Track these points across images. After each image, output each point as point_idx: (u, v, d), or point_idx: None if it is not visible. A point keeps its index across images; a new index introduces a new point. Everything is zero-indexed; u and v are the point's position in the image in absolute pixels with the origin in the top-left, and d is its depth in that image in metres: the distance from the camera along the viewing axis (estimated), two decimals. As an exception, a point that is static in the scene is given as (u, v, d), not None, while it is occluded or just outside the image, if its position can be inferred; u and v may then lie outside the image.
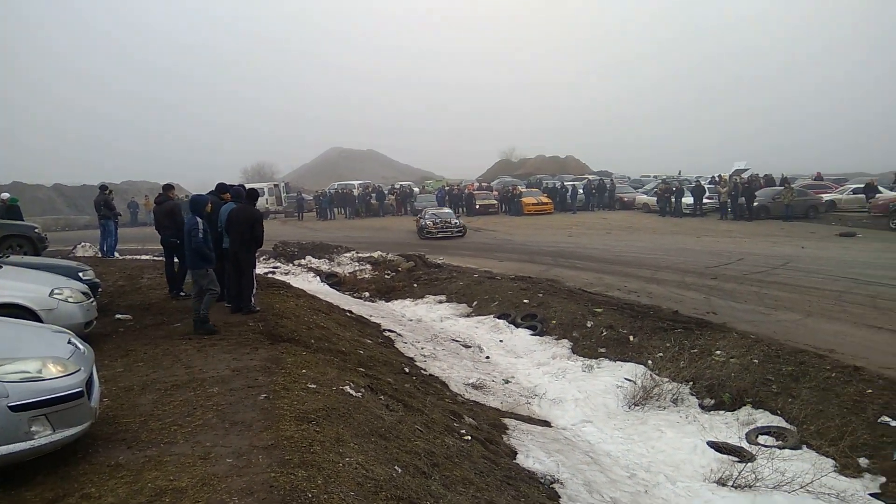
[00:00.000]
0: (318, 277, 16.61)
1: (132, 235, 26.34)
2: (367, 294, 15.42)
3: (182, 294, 9.69)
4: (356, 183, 45.86)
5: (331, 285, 15.95)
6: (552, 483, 5.41)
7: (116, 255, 16.24)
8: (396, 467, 4.24)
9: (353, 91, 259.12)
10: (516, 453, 6.09)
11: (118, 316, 8.65)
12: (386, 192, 41.42)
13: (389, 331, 10.86)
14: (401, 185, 47.40)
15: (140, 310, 9.13)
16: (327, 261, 18.44)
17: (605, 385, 8.75)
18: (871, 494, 5.98)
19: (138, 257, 17.35)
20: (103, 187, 15.58)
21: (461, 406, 7.40)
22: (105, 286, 10.31)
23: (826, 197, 28.93)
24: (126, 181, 55.71)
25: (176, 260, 9.91)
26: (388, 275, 16.84)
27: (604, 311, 11.67)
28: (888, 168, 39.27)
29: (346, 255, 19.05)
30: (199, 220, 7.62)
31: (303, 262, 18.33)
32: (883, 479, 6.26)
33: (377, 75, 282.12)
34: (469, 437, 5.94)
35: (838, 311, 11.09)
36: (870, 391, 7.44)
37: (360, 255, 18.97)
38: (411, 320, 12.56)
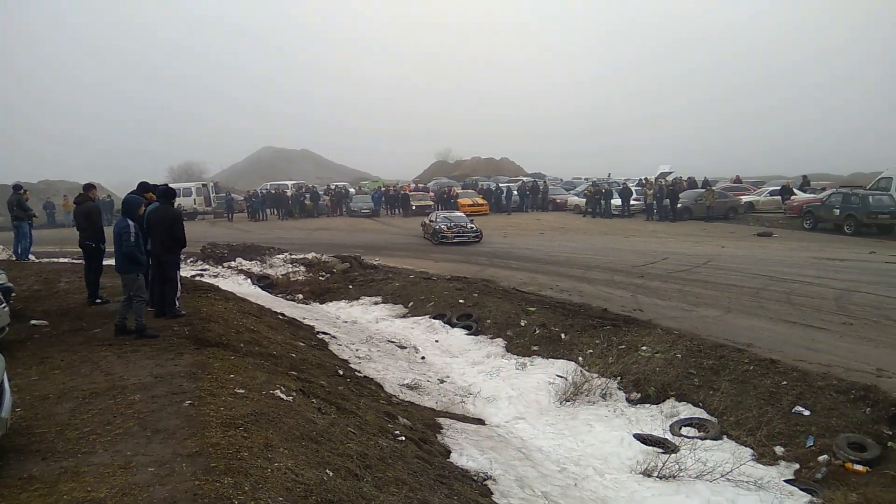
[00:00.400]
0: (248, 280, 16.19)
1: (49, 237, 24.89)
2: (300, 296, 15.14)
3: (100, 300, 9.23)
4: (290, 183, 44.95)
5: (263, 288, 15.58)
6: (485, 480, 5.47)
7: (31, 257, 15.32)
8: (328, 470, 4.18)
9: (287, 89, 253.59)
10: (450, 452, 6.12)
11: (33, 322, 8.15)
12: (321, 192, 40.79)
13: (324, 333, 10.71)
14: (336, 185, 46.82)
15: (57, 315, 8.63)
16: (259, 262, 17.99)
17: (537, 382, 8.92)
18: (785, 481, 6.34)
19: (56, 260, 16.41)
20: (17, 187, 14.66)
21: (396, 407, 7.38)
22: (19, 290, 9.71)
23: (745, 199, 30.52)
24: (43, 181, 52.56)
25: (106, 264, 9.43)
26: (323, 276, 16.59)
27: (537, 310, 11.88)
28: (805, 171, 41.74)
29: (278, 256, 18.63)
30: (130, 222, 7.30)
31: (233, 264, 17.82)
32: (797, 466, 6.66)
33: (312, 72, 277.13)
34: (403, 438, 5.92)
35: (756, 307, 11.71)
36: (784, 383, 7.88)
37: (293, 256, 18.60)
38: (346, 322, 12.43)
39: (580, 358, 9.81)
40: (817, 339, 9.52)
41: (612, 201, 31.05)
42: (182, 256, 10.27)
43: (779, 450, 6.82)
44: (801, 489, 6.05)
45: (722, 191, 30.67)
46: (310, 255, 18.37)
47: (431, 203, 36.40)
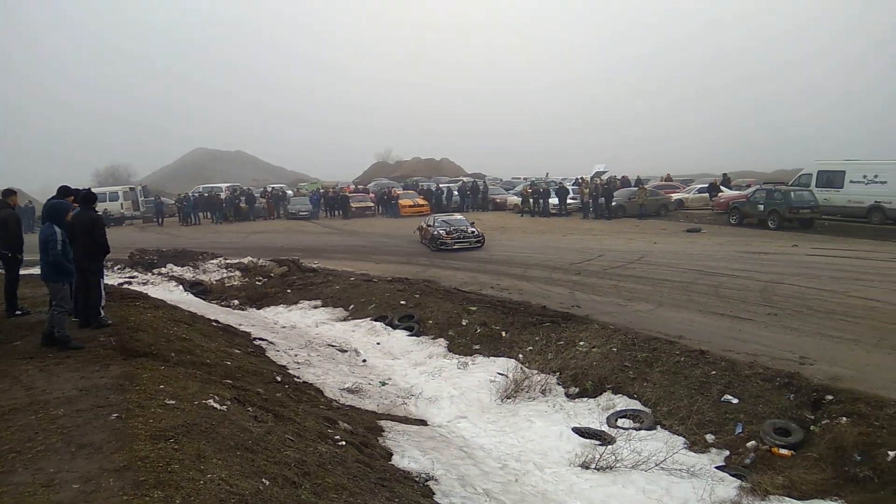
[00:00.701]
0: (180, 286, 15.65)
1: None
2: (236, 302, 14.74)
3: (20, 312, 8.70)
4: (224, 186, 43.75)
5: (196, 294, 15.09)
6: (427, 481, 5.46)
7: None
8: (264, 479, 4.07)
9: (222, 88, 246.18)
10: (392, 454, 6.08)
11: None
12: (257, 194, 39.83)
13: (261, 339, 10.45)
14: (273, 187, 45.83)
15: (-30, 329, 8.08)
16: (192, 268, 17.44)
17: (479, 381, 8.98)
18: (716, 467, 6.61)
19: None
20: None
21: (336, 412, 7.27)
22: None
23: (675, 196, 31.69)
24: (-45, 186, 49.34)
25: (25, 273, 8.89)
26: (260, 281, 16.21)
27: (478, 310, 11.97)
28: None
29: (212, 261, 18.10)
30: (56, 229, 6.91)
31: (163, 270, 17.20)
32: (727, 453, 6.95)
33: (246, 72, 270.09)
34: (344, 443, 5.84)
35: (686, 300, 12.16)
36: (714, 372, 8.21)
37: (228, 261, 18.11)
38: (284, 327, 12.17)
39: (521, 355, 9.95)
40: (744, 330, 9.94)
41: (550, 200, 31.62)
42: (108, 263, 9.82)
43: (710, 437, 7.10)
44: (732, 475, 6.32)
45: (653, 189, 31.74)
46: (245, 260, 17.93)
47: (372, 204, 36.18)
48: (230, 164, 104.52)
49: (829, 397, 7.17)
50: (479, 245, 20.08)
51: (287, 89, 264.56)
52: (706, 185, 31.61)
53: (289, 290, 15.24)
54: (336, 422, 6.65)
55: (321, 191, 40.24)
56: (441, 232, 20.09)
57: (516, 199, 34.76)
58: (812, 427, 6.86)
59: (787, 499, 5.73)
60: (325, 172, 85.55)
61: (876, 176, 22.40)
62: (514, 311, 11.68)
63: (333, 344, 11.02)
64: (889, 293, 11.74)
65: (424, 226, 22.08)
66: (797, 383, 7.57)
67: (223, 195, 38.26)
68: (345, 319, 12.98)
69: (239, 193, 38.74)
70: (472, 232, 20.28)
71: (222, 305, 14.25)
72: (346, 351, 10.65)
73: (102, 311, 8.06)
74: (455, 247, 19.69)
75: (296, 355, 9.71)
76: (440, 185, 39.86)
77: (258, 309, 14.26)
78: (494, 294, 13.25)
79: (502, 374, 9.10)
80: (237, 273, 16.92)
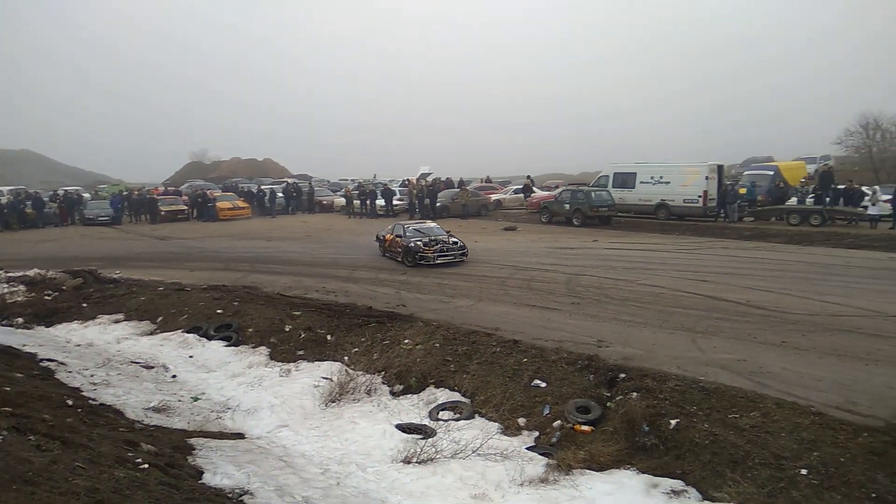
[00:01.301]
0: (-54, 306, 13.31)
1: None
2: (20, 320, 12.86)
3: None
4: (5, 189, 38.16)
5: (-34, 314, 12.92)
6: (241, 495, 5.16)
7: None
8: (43, 516, 3.57)
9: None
10: (203, 473, 5.67)
11: None
12: (46, 199, 35.18)
13: (49, 360, 9.20)
14: (66, 190, 40.76)
15: None
16: (-39, 284, 14.90)
17: (302, 387, 8.74)
18: (527, 448, 7.06)
19: None
20: None
21: (139, 433, 6.62)
22: None
23: (494, 197, 33.56)
24: None
25: None
26: (49, 295, 14.30)
27: (302, 314, 11.65)
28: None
29: (-11, 275, 15.63)
30: None
31: (-78, 288, 14.50)
32: (537, 434, 7.46)
33: (33, 55, 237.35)
34: (146, 466, 5.33)
35: (503, 294, 12.89)
36: (525, 360, 8.76)
37: (10, 274, 15.77)
38: (79, 345, 10.86)
39: (346, 357, 9.87)
40: (552, 319, 10.75)
41: (377, 202, 31.83)
42: None
43: (521, 421, 7.57)
44: (540, 454, 6.79)
45: (475, 190, 33.32)
46: (31, 272, 15.71)
47: (185, 207, 33.67)
48: (14, 164, 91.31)
49: (623, 375, 7.99)
50: (464, 257, 16.88)
51: (85, 80, 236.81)
52: (520, 187, 33.84)
53: (84, 304, 13.62)
54: (138, 444, 6.06)
55: (124, 193, 36.63)
56: (418, 243, 16.67)
57: (344, 201, 34.50)
58: (608, 403, 7.58)
59: (587, 471, 6.27)
60: (131, 174, 78.28)
61: (661, 177, 25.59)
62: (341, 314, 11.54)
63: (138, 360, 10.05)
64: (672, 280, 13.44)
65: (390, 236, 17.99)
66: (596, 365, 8.34)
67: (4, 200, 33.31)
68: (152, 333, 11.91)
69: (24, 198, 33.97)
70: (455, 242, 17.05)
71: (3, 325, 12.36)
72: (152, 367, 9.77)
73: None
74: (438, 261, 16.29)
75: (92, 375, 8.69)
76: (262, 187, 38.27)
77: (47, 326, 12.57)
78: (320, 297, 12.98)
79: (327, 379, 8.94)
80: (21, 287, 14.77)
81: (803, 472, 5.74)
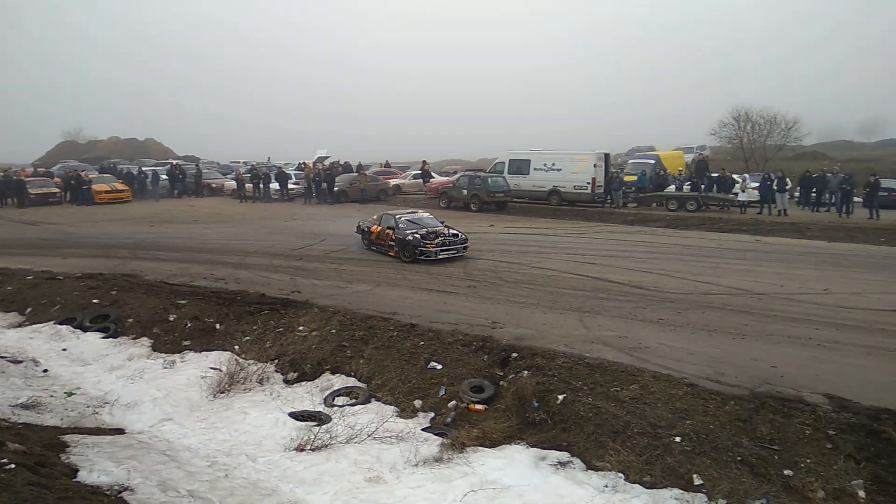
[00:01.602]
0: None
1: None
2: None
3: None
4: None
5: None
6: (121, 492, 4.89)
7: None
8: None
9: None
10: (78, 471, 5.30)
11: None
12: None
13: None
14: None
15: None
16: None
17: (188, 379, 8.35)
18: (422, 429, 7.16)
19: None
20: None
21: (5, 432, 6.09)
22: None
23: (393, 182, 33.39)
24: None
25: None
26: None
27: (189, 302, 11.11)
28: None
29: None
30: None
31: None
32: (432, 415, 7.57)
33: None
34: (13, 466, 4.92)
35: (401, 279, 12.90)
36: (422, 343, 8.85)
37: None
38: (-71, 341, 9.78)
39: (236, 346, 9.55)
40: (448, 303, 10.92)
41: (271, 185, 30.79)
42: None
43: (417, 403, 7.66)
44: (435, 434, 6.91)
45: (374, 175, 33.01)
46: None
47: (57, 190, 30.94)
48: None
49: (515, 355, 8.27)
50: (465, 250, 15.30)
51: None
52: (419, 172, 33.91)
53: (-63, 296, 12.26)
54: (3, 444, 5.56)
55: (-14, 174, 33.11)
56: (417, 236, 14.93)
57: (235, 185, 33.06)
58: (501, 382, 7.83)
59: (480, 448, 6.46)
60: (-5, 154, 70.85)
61: (553, 164, 26.52)
62: (231, 302, 11.12)
63: (4, 355, 9.19)
64: (562, 263, 14.01)
65: (377, 227, 16.13)
66: (490, 345, 8.58)
67: None
68: (20, 325, 10.94)
69: None
70: (455, 235, 15.29)
71: None
72: (20, 362, 8.97)
73: None
74: (440, 256, 14.67)
75: (-56, 374, 7.87)
76: (144, 169, 35.85)
77: None
78: (208, 285, 12.40)
79: (215, 369, 8.62)
80: None
81: (677, 439, 6.21)
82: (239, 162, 47.40)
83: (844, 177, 22.74)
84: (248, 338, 9.75)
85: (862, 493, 5.47)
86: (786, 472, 5.74)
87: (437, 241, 14.73)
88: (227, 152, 63.71)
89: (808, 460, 5.85)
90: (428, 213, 17.00)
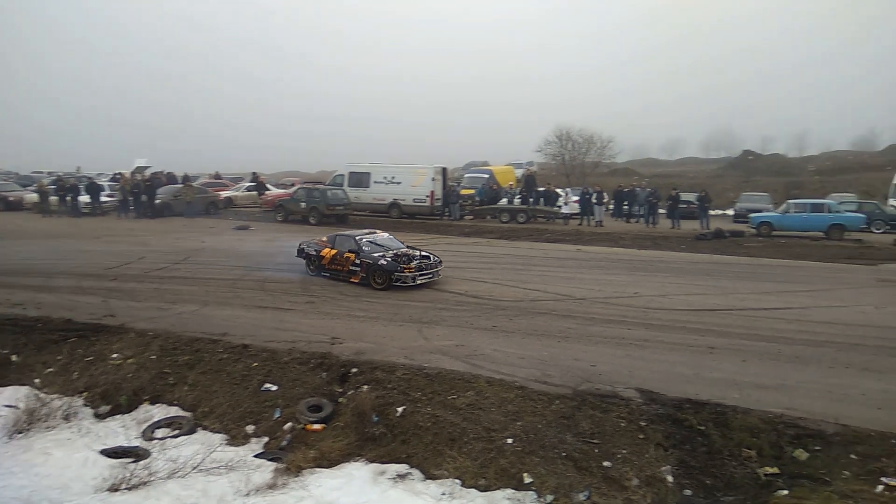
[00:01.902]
0: None
1: None
2: None
3: None
4: None
5: None
6: None
7: None
8: None
9: None
10: None
11: None
12: None
13: None
14: None
15: None
16: None
17: (-28, 421, 7.17)
18: (255, 455, 6.79)
19: None
20: None
21: None
22: None
23: (224, 194, 31.58)
24: None
25: None
26: None
27: (-26, 333, 9.58)
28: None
29: None
30: None
31: None
32: (266, 439, 7.22)
33: None
34: None
35: (232, 297, 12.19)
36: (255, 364, 8.42)
37: None
38: None
39: (37, 380, 8.40)
40: (286, 320, 10.51)
41: (80, 198, 27.70)
42: None
43: (250, 428, 7.26)
44: (269, 459, 6.60)
45: (202, 186, 31.02)
46: None
47: None
48: None
49: (355, 370, 8.17)
50: (439, 275, 13.90)
51: None
52: (254, 184, 32.51)
53: None
54: None
55: None
56: (388, 260, 13.29)
57: (38, 198, 29.31)
58: (340, 399, 7.68)
59: (318, 469, 6.27)
60: None
61: (393, 177, 26.84)
62: (30, 330, 9.85)
63: None
64: (399, 275, 14.10)
65: (329, 251, 14.23)
66: (329, 362, 8.39)
67: None
68: None
69: None
70: (426, 256, 13.85)
71: None
72: None
73: None
74: (418, 281, 13.23)
75: None
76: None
77: None
78: (3, 311, 10.81)
79: (11, 407, 7.52)
80: None
81: (509, 441, 6.49)
82: (43, 172, 42.18)
83: (650, 191, 25.61)
84: (50, 369, 8.64)
85: (670, 478, 6.09)
86: (605, 463, 6.23)
87: (412, 264, 13.32)
88: (28, 161, 56.34)
89: (624, 451, 6.40)
90: (388, 234, 15.52)
